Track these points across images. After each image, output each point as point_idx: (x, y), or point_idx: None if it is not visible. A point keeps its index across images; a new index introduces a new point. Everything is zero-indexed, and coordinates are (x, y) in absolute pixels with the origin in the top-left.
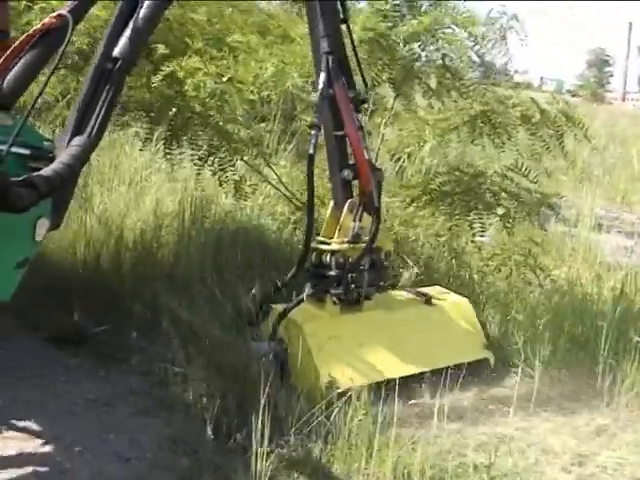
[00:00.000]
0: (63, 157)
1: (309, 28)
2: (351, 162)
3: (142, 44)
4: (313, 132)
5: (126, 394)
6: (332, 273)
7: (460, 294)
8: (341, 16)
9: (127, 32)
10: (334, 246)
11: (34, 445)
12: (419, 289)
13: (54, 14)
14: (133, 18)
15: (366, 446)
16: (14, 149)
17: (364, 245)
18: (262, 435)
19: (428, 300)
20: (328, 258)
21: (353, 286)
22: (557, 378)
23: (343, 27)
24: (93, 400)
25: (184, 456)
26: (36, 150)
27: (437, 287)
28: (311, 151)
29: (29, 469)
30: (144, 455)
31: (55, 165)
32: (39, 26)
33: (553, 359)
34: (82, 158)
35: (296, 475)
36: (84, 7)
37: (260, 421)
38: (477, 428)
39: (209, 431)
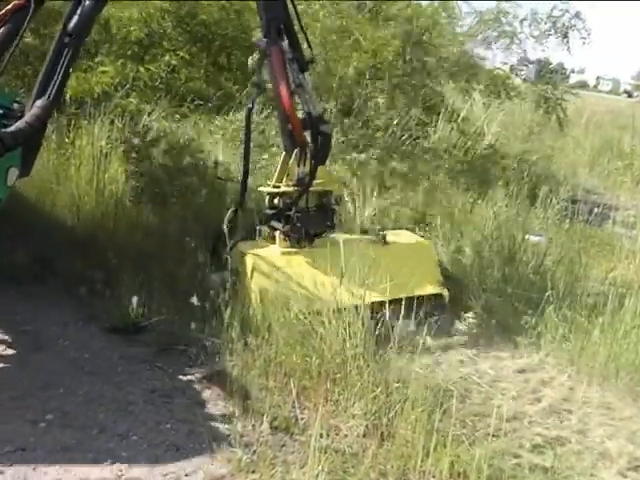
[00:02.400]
0: (27, 116)
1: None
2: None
3: (90, 22)
4: (255, 89)
5: (183, 385)
6: (280, 213)
7: None
8: None
9: (78, 11)
10: (282, 189)
11: (91, 434)
12: (381, 232)
13: None
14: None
15: (422, 444)
16: None
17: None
18: (320, 433)
19: (384, 241)
20: (277, 200)
21: (300, 225)
22: None
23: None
24: (151, 391)
25: (240, 449)
26: (7, 110)
27: (403, 231)
28: (250, 105)
29: (87, 457)
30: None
31: (20, 123)
32: (10, 6)
33: None
34: (42, 117)
35: (352, 472)
36: None
37: (319, 416)
38: None
39: (266, 424)
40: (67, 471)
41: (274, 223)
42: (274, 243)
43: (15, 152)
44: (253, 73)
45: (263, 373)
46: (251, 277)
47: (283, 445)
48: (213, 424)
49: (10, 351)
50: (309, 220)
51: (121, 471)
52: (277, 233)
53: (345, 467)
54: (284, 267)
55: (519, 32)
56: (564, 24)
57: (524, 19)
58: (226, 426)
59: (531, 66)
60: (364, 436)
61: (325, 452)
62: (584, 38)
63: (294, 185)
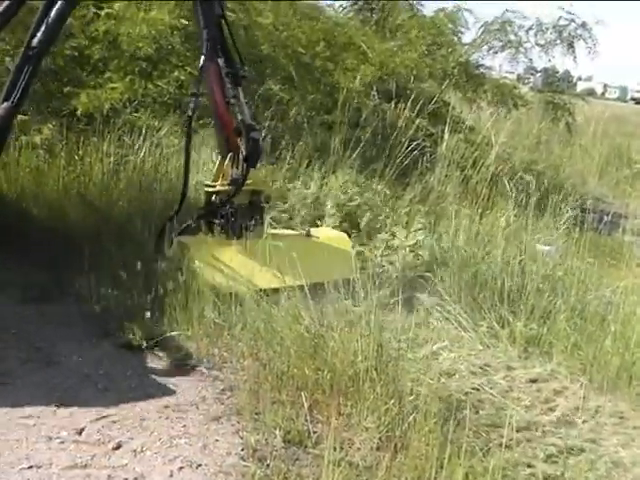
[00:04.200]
0: None
1: (195, 22)
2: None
3: (54, 37)
4: (192, 99)
5: (197, 401)
6: (216, 209)
7: None
8: (220, 13)
9: (42, 27)
10: (217, 188)
11: (106, 450)
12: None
13: None
14: (47, 17)
15: (436, 456)
16: None
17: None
18: (334, 446)
19: (308, 234)
20: (213, 198)
21: (233, 219)
22: None
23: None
24: (164, 407)
25: (254, 463)
26: None
27: (324, 228)
28: (189, 113)
29: (103, 473)
30: (214, 461)
31: None
32: None
33: None
34: (6, 118)
35: None
36: (14, 10)
37: (332, 429)
38: None
39: (279, 438)
40: None
41: (211, 218)
42: (211, 236)
43: None
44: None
45: (275, 387)
46: (193, 265)
47: (296, 459)
48: (226, 439)
49: (24, 368)
50: (241, 215)
51: None
52: (214, 227)
53: None
54: (220, 256)
55: (525, 41)
56: (570, 33)
57: (530, 28)
58: (239, 440)
59: (537, 75)
60: (377, 449)
61: (339, 465)
62: (590, 47)
63: (228, 184)
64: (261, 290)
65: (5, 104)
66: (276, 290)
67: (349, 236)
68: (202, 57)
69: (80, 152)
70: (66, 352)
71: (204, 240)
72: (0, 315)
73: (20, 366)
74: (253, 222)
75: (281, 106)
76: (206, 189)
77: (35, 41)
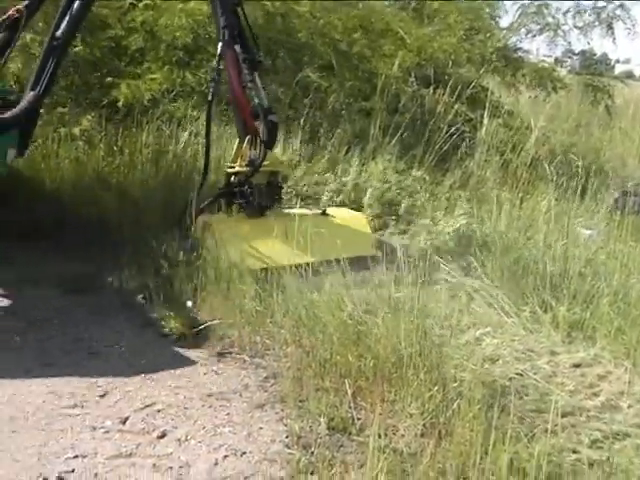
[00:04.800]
0: (19, 105)
1: (212, 10)
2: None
3: (76, 27)
4: (212, 84)
5: (240, 389)
6: (235, 189)
7: None
8: (236, 0)
9: (66, 18)
10: (236, 169)
11: (150, 439)
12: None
13: (15, 8)
14: (70, 8)
15: (481, 442)
16: None
17: (261, 169)
18: (378, 433)
19: (324, 213)
20: (232, 178)
21: (252, 199)
22: None
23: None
24: (208, 395)
25: (298, 450)
26: (4, 100)
27: (343, 208)
28: (210, 98)
29: (148, 461)
30: (259, 449)
31: (14, 110)
32: (5, 16)
33: None
34: (31, 106)
35: (411, 471)
36: (38, 2)
37: (376, 416)
38: None
39: (323, 425)
40: (127, 476)
41: (231, 198)
42: (230, 215)
43: (12, 135)
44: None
45: (318, 374)
46: (216, 243)
47: (341, 446)
48: (271, 426)
49: (66, 359)
50: (260, 195)
51: (180, 475)
52: (234, 206)
53: (404, 467)
54: (240, 234)
55: (563, 24)
56: (608, 14)
57: (567, 11)
58: (283, 428)
59: (575, 58)
60: (422, 435)
61: (383, 452)
62: (629, 29)
63: (246, 165)
64: (279, 267)
65: (32, 93)
66: (296, 267)
67: (384, 223)
68: (219, 44)
69: (119, 143)
70: (108, 342)
71: (224, 219)
72: (42, 306)
73: (63, 357)
74: (271, 201)
75: (319, 94)
76: (226, 170)
77: (59, 32)
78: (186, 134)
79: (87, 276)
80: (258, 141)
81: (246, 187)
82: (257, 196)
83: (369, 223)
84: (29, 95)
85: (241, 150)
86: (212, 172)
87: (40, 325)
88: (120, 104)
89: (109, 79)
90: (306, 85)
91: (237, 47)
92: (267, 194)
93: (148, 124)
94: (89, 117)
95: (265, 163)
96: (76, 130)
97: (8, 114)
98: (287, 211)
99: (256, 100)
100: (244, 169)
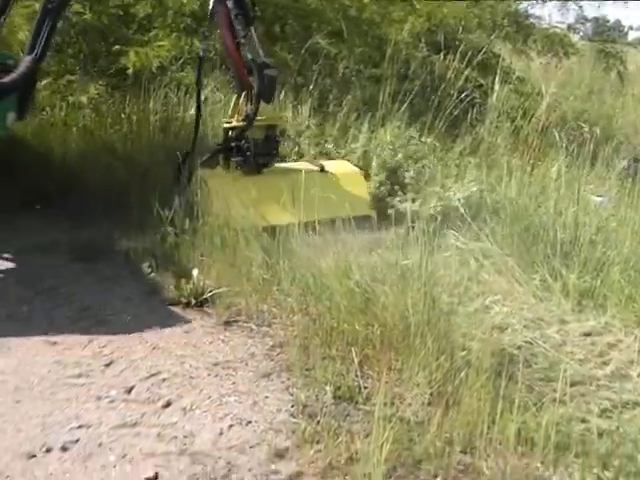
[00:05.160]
0: (17, 70)
1: None
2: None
3: None
4: (203, 42)
5: (246, 357)
6: (232, 144)
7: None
8: None
9: None
10: (233, 124)
11: (155, 408)
12: (320, 161)
13: None
14: None
15: (488, 411)
16: None
17: (258, 124)
18: (385, 402)
19: (322, 169)
20: (230, 133)
21: (249, 154)
22: None
23: None
24: (214, 364)
25: (304, 420)
26: (3, 65)
27: (341, 161)
28: (201, 54)
29: (152, 431)
30: (264, 418)
31: (11, 75)
32: None
33: None
34: (29, 70)
35: (418, 440)
36: None
37: (383, 385)
38: None
39: (329, 394)
40: (132, 446)
41: (228, 153)
42: (227, 171)
43: (12, 99)
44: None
45: (325, 342)
46: (210, 198)
47: (347, 415)
48: (276, 395)
49: (73, 328)
50: (257, 150)
51: (185, 445)
52: (230, 162)
53: (410, 436)
54: (236, 190)
55: None
56: None
57: None
58: (289, 397)
59: (588, 24)
60: (429, 404)
61: (390, 421)
62: None
63: (243, 120)
64: (273, 227)
65: (29, 57)
66: (290, 225)
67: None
68: (211, 1)
69: (127, 111)
70: (115, 311)
71: (220, 174)
72: (49, 274)
73: (69, 325)
74: (269, 156)
75: (329, 60)
76: (223, 125)
77: None
78: (194, 101)
79: (94, 244)
80: (252, 96)
81: (243, 142)
82: (254, 151)
83: (367, 179)
84: (26, 59)
85: (238, 106)
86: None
87: (47, 294)
88: (129, 72)
89: (117, 47)
90: (315, 52)
91: (230, 3)
92: (264, 149)
93: (156, 92)
94: (97, 85)
95: (262, 117)
96: (84, 98)
97: (7, 79)
98: (285, 166)
99: (249, 56)
100: (240, 124)
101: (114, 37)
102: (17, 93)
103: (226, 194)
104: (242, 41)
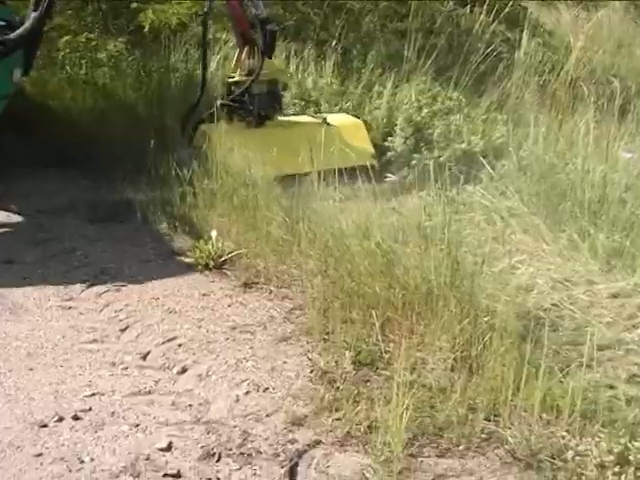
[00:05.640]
0: (24, 26)
1: None
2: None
3: None
4: None
5: (265, 321)
6: (235, 98)
7: None
8: None
9: None
10: (236, 78)
11: (170, 375)
12: (321, 114)
13: None
14: None
15: (513, 377)
16: None
17: (261, 78)
18: (406, 367)
19: (324, 121)
20: (233, 88)
21: (252, 108)
22: None
23: None
24: (232, 328)
25: (323, 386)
26: (9, 22)
27: (343, 114)
28: (206, 9)
29: (166, 399)
30: (282, 385)
31: (17, 31)
32: None
33: None
34: (35, 27)
35: (440, 407)
36: None
37: (404, 349)
38: None
39: (349, 359)
40: (145, 415)
41: (232, 107)
42: (231, 124)
43: (18, 55)
44: None
45: (345, 305)
46: (215, 151)
47: (367, 380)
48: (295, 360)
49: (90, 291)
50: (260, 104)
51: (200, 413)
52: (234, 115)
53: (432, 402)
54: (241, 143)
55: None
56: None
57: None
58: (308, 362)
59: None
60: (452, 370)
61: (411, 387)
62: None
63: (245, 75)
64: (279, 177)
65: (34, 14)
66: (292, 176)
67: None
68: None
69: (147, 68)
70: (132, 273)
71: (225, 127)
72: (67, 236)
73: (85, 289)
74: (272, 110)
75: (352, 16)
76: (226, 80)
77: None
78: (216, 58)
79: (112, 205)
80: (256, 50)
81: (246, 96)
82: (257, 105)
83: (368, 130)
84: (31, 16)
85: (240, 60)
86: None
87: (63, 256)
88: (146, 30)
89: (135, 4)
90: (339, 6)
91: None
92: (267, 103)
93: (176, 48)
94: (116, 43)
95: (265, 72)
96: (103, 56)
97: (12, 35)
98: (288, 119)
99: (253, 10)
100: (243, 78)
101: None
102: (23, 50)
103: (229, 147)
104: None
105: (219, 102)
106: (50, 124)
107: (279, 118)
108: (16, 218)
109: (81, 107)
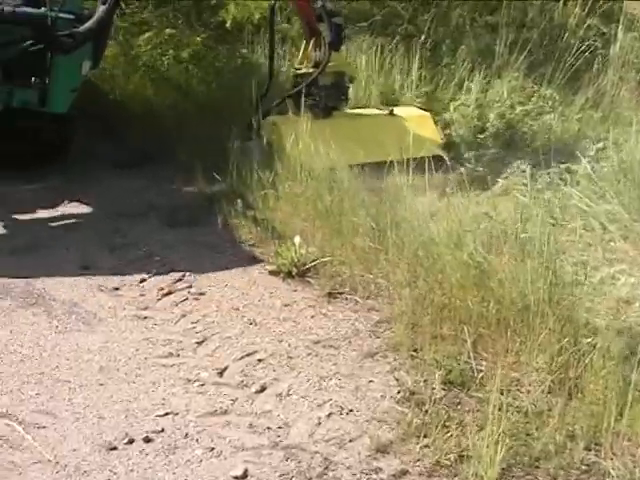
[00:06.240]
0: (92, 19)
1: None
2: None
3: None
4: None
5: (350, 334)
6: (302, 90)
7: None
8: None
9: None
10: (303, 70)
11: (248, 393)
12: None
13: None
14: None
15: (616, 401)
16: (63, 15)
17: (327, 70)
18: (500, 389)
19: (391, 113)
20: (299, 80)
21: (318, 99)
22: None
23: None
24: (315, 342)
25: (410, 409)
26: (77, 15)
27: (411, 107)
28: (272, 2)
29: (243, 420)
30: (367, 406)
31: (86, 24)
32: None
33: None
34: (103, 20)
35: (536, 434)
36: None
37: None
38: None
39: (439, 379)
40: (221, 438)
41: (298, 99)
42: (299, 115)
43: (87, 48)
44: None
45: (435, 320)
46: (284, 143)
47: (458, 403)
48: (381, 379)
49: (166, 299)
50: (327, 95)
51: (279, 437)
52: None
53: (528, 428)
54: (309, 134)
55: None
56: None
57: None
58: (395, 382)
59: None
60: (549, 392)
61: (506, 411)
62: None
63: (312, 67)
64: (350, 166)
65: (102, 7)
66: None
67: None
68: None
69: (230, 64)
70: (211, 281)
71: (291, 119)
72: (145, 241)
73: (161, 298)
74: (338, 102)
75: (441, 9)
76: (294, 72)
77: None
78: (300, 53)
79: (192, 208)
80: (323, 43)
81: (312, 88)
82: (324, 97)
83: (435, 122)
84: (100, 9)
85: (307, 52)
86: None
87: (140, 263)
88: (228, 25)
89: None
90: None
91: None
92: (334, 94)
93: (260, 45)
94: (199, 38)
95: (331, 64)
96: (185, 53)
97: (82, 28)
98: (354, 111)
99: (320, 3)
100: (310, 70)
101: None
102: (92, 42)
103: (298, 137)
104: None
105: (287, 94)
106: (131, 123)
107: (346, 110)
108: (93, 221)
109: (162, 105)
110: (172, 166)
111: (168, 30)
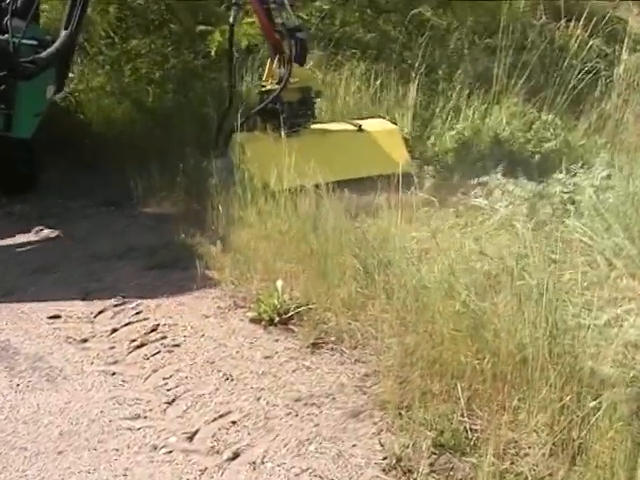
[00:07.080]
0: (54, 45)
1: None
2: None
3: None
4: (234, 7)
5: (334, 390)
6: (267, 107)
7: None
8: None
9: None
10: (268, 87)
11: (219, 462)
12: (357, 120)
13: None
14: None
15: (625, 465)
16: (25, 41)
17: (292, 86)
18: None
19: (360, 128)
20: (265, 97)
21: (284, 116)
22: None
23: None
24: (295, 400)
25: (397, 478)
26: (40, 41)
27: (378, 119)
28: (231, 21)
29: None
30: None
31: (49, 49)
32: None
33: None
34: (65, 45)
35: None
36: None
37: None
38: None
39: (429, 442)
40: None
41: (264, 116)
42: (265, 133)
43: (51, 73)
44: None
45: (425, 375)
46: (248, 161)
47: (451, 469)
48: (366, 443)
49: (138, 352)
50: (292, 111)
51: None
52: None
53: None
54: (274, 152)
55: None
56: None
57: None
58: (381, 446)
59: None
60: (550, 455)
61: (502, 478)
62: None
63: (277, 83)
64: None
65: (65, 32)
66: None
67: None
68: None
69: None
70: (188, 332)
71: (256, 137)
72: (120, 287)
73: (133, 350)
74: (304, 118)
75: (438, 31)
76: (259, 89)
77: None
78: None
79: (173, 250)
80: (285, 59)
81: (277, 104)
82: (289, 113)
83: (404, 137)
84: (63, 34)
85: (271, 69)
86: None
87: (113, 310)
88: (212, 53)
89: (202, 27)
90: (421, 22)
91: None
92: (300, 110)
93: (248, 71)
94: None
95: (296, 79)
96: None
97: (45, 53)
98: (322, 127)
99: (279, 20)
100: (274, 87)
101: (202, 14)
102: (55, 67)
103: (260, 155)
104: (272, 6)
105: (252, 111)
106: (117, 156)
107: (313, 126)
108: (68, 264)
109: (148, 137)
110: (157, 204)
111: (151, 58)
